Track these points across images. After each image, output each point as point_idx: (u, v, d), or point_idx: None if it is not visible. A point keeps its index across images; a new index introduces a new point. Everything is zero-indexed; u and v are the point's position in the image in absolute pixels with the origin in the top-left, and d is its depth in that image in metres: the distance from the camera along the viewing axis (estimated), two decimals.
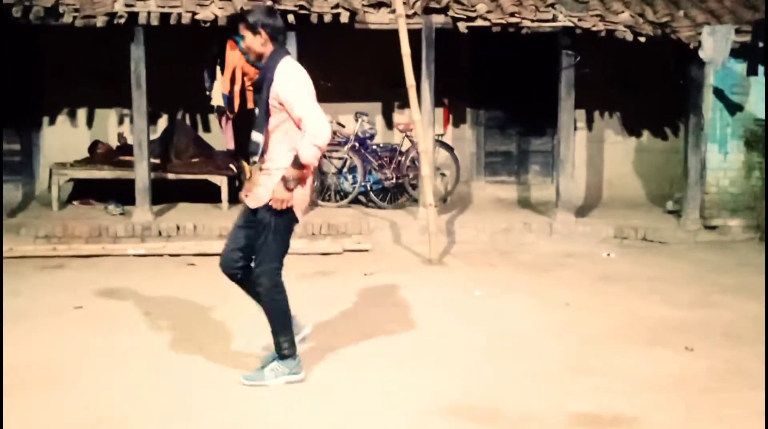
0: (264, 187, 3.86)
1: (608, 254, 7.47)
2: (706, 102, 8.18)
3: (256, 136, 3.87)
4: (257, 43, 3.84)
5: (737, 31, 7.83)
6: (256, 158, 3.93)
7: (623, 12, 7.98)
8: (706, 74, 8.10)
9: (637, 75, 9.32)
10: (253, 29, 3.81)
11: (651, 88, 9.26)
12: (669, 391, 3.96)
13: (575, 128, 8.73)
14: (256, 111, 3.96)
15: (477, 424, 3.55)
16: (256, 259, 3.93)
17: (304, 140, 3.70)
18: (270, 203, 3.80)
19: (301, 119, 3.72)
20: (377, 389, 3.95)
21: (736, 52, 7.94)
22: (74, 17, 7.47)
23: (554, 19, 7.90)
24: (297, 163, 3.73)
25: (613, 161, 9.89)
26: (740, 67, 8.20)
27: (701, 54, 7.80)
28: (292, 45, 7.79)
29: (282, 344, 3.95)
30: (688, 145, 8.35)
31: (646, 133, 9.93)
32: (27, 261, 6.97)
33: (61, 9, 7.47)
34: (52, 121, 9.43)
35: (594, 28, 7.84)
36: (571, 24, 7.88)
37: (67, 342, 4.69)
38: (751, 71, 8.17)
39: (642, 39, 7.87)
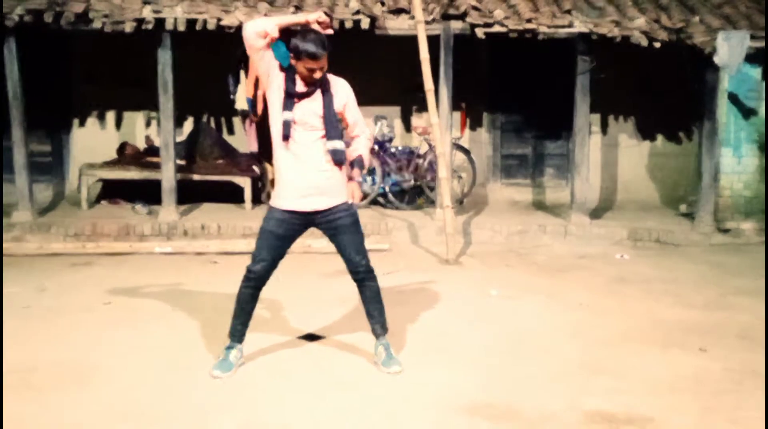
0: (339, 188, 4.08)
1: (622, 256, 7.56)
2: (721, 107, 8.25)
3: (340, 145, 4.00)
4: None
5: (752, 37, 7.89)
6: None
7: (639, 18, 8.07)
8: (721, 79, 8.17)
9: (652, 80, 9.38)
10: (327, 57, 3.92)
11: (666, 92, 9.33)
12: (684, 392, 3.98)
13: (590, 132, 8.82)
14: (301, 116, 3.94)
15: (495, 423, 3.60)
16: (357, 254, 4.16)
17: (364, 143, 4.12)
18: (352, 201, 4.11)
19: (356, 124, 4.14)
20: (395, 387, 4.00)
21: (751, 58, 8.00)
22: (104, 23, 7.67)
23: (570, 25, 8.01)
24: (361, 164, 4.10)
25: (627, 165, 9.97)
26: (755, 72, 8.27)
27: (716, 59, 7.85)
28: None
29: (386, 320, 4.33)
30: (702, 149, 8.41)
31: (660, 137, 10.00)
32: (57, 258, 7.16)
33: (91, 15, 7.68)
34: (81, 123, 9.66)
35: (610, 34, 7.92)
36: (587, 30, 7.97)
37: (95, 338, 4.79)
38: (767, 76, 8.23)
39: (657, 44, 7.95)
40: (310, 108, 3.97)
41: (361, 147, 4.17)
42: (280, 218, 4.06)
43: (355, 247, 4.17)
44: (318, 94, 3.97)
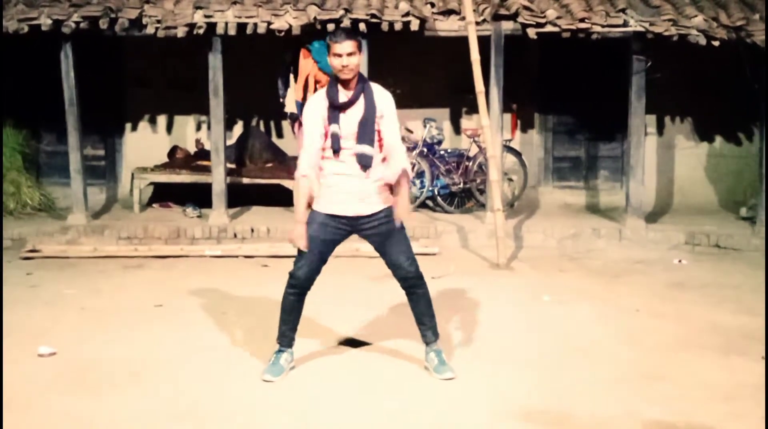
0: (379, 195, 4.06)
1: (680, 261, 7.37)
2: None
3: (369, 149, 4.01)
4: (359, 61, 4.01)
5: None
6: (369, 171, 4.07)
7: (696, 16, 7.86)
8: None
9: (710, 79, 9.15)
10: (360, 48, 3.99)
11: (724, 92, 9.08)
12: (745, 400, 3.90)
13: (645, 133, 8.63)
14: (347, 127, 3.99)
15: None
16: (406, 259, 4.13)
17: (403, 161, 4.03)
18: (398, 215, 4.05)
19: (393, 148, 4.04)
20: (446, 392, 3.99)
21: None
22: (156, 28, 7.80)
23: (625, 24, 7.85)
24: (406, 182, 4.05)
25: (684, 167, 9.73)
26: None
27: None
28: (364, 52, 7.96)
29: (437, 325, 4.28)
30: (763, 151, 8.15)
31: (719, 139, 9.74)
32: (110, 261, 7.29)
33: (144, 21, 7.82)
34: (134, 128, 9.83)
35: (666, 33, 7.74)
36: (642, 29, 7.80)
37: (149, 339, 4.87)
38: None
39: (716, 43, 7.74)
40: (354, 116, 4.01)
41: (403, 165, 4.03)
42: (323, 222, 4.07)
43: (402, 252, 4.13)
44: (361, 101, 4.01)
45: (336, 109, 3.98)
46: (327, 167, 4.05)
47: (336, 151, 4.00)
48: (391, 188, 4.07)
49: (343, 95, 4.00)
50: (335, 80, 4.03)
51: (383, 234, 4.09)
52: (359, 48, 3.97)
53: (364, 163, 4.02)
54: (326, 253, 4.14)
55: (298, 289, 4.15)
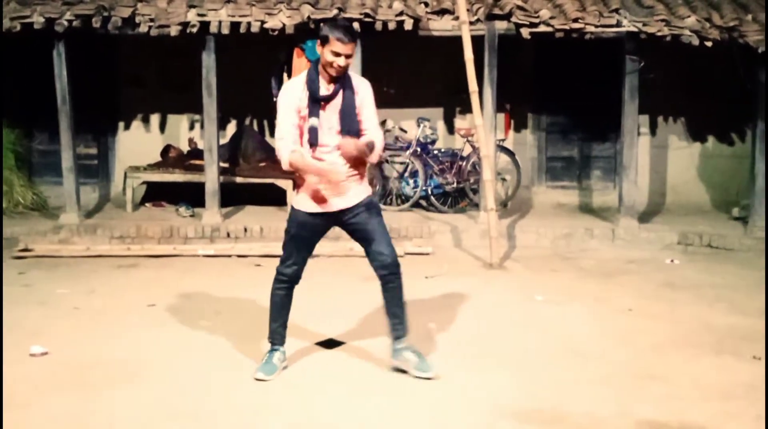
0: (358, 182, 4.07)
1: (672, 261, 7.39)
2: None
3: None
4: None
5: None
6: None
7: (689, 16, 7.88)
8: None
9: (702, 80, 9.18)
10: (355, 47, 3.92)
11: (717, 93, 9.12)
12: (738, 400, 3.91)
13: (639, 133, 8.65)
14: (327, 121, 3.94)
15: None
16: (386, 247, 4.07)
17: (379, 139, 4.01)
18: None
19: (370, 129, 4.02)
20: (441, 392, 3.98)
21: None
22: (150, 27, 7.78)
23: (618, 24, 7.86)
24: (371, 148, 3.95)
25: (677, 167, 9.76)
26: None
27: None
28: (357, 52, 7.95)
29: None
30: (755, 151, 8.18)
31: (711, 139, 9.77)
32: (103, 260, 7.27)
33: (137, 19, 7.79)
34: (127, 127, 9.80)
35: (659, 33, 7.76)
36: (635, 29, 7.82)
37: (143, 338, 4.86)
38: None
39: (709, 44, 7.76)
40: (333, 108, 3.95)
41: (377, 140, 4.01)
42: (303, 221, 4.08)
43: (381, 238, 4.08)
44: (340, 94, 3.95)
45: (316, 101, 3.91)
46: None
47: (313, 144, 3.92)
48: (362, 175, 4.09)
49: (324, 89, 3.93)
50: (316, 71, 3.94)
51: (361, 222, 4.07)
52: (356, 47, 3.95)
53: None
54: (311, 248, 4.19)
55: (286, 284, 4.18)
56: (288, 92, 3.96)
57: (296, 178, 4.08)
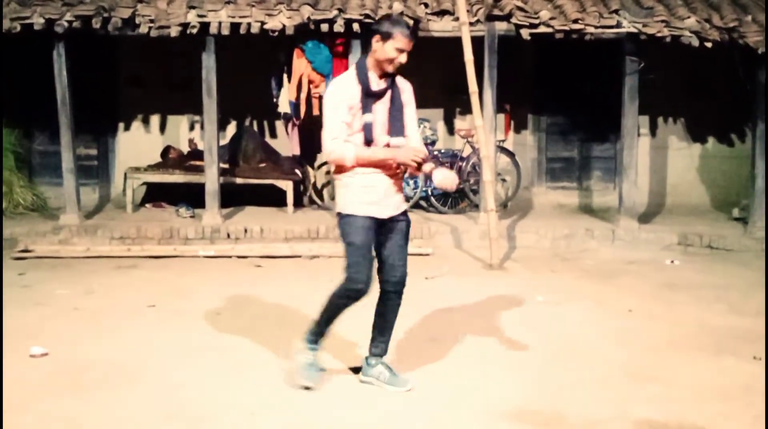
0: (402, 191, 3.96)
1: (672, 261, 7.39)
2: None
3: (402, 142, 3.86)
4: None
5: None
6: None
7: (689, 17, 7.89)
8: None
9: (702, 81, 9.19)
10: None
11: (717, 93, 9.13)
12: (736, 400, 3.91)
13: (639, 134, 8.66)
14: (379, 117, 3.80)
15: None
16: (402, 261, 3.90)
17: (422, 146, 3.94)
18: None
19: (416, 129, 3.96)
20: (440, 393, 3.98)
21: None
22: (150, 28, 7.78)
23: (618, 25, 7.87)
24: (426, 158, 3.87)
25: (677, 167, 9.77)
26: None
27: None
28: (357, 53, 7.97)
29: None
30: (755, 152, 8.19)
31: (711, 140, 9.78)
32: (103, 261, 7.28)
33: (137, 20, 7.80)
34: (127, 127, 9.80)
35: (659, 34, 7.77)
36: (635, 30, 7.82)
37: (142, 339, 4.86)
38: None
39: (708, 44, 7.76)
40: (383, 105, 3.83)
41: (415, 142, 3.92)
42: (366, 226, 3.79)
43: (402, 254, 3.92)
44: (388, 92, 3.85)
45: (370, 97, 3.77)
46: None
47: (368, 142, 3.77)
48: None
49: (375, 83, 3.80)
50: (366, 66, 3.81)
51: (396, 231, 3.90)
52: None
53: None
54: (372, 255, 3.89)
55: (355, 301, 3.84)
56: (340, 88, 3.80)
57: (339, 180, 3.85)
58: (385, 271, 3.94)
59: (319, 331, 4.01)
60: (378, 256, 3.94)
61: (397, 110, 3.85)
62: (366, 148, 3.77)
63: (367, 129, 3.77)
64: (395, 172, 3.85)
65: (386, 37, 3.74)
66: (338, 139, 3.75)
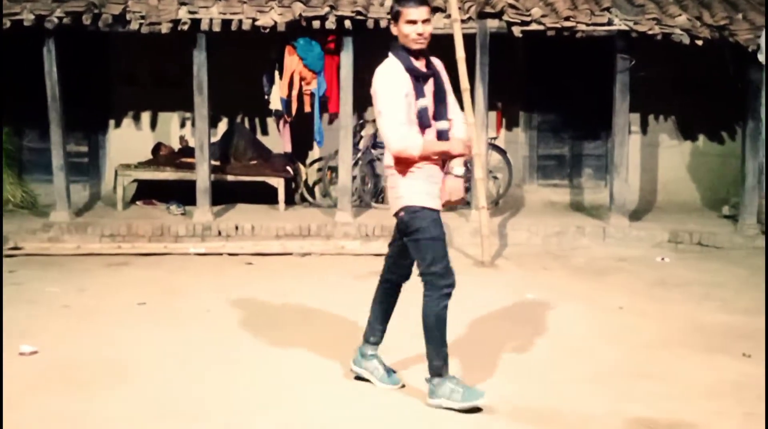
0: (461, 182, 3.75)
1: (663, 259, 7.42)
2: (765, 105, 8.04)
3: (445, 125, 3.70)
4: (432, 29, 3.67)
5: None
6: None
7: (680, 15, 7.91)
8: (765, 77, 7.97)
9: (693, 78, 9.20)
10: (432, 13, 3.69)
11: (708, 91, 9.14)
12: (727, 398, 3.93)
13: (630, 132, 8.67)
14: (422, 102, 3.62)
15: (534, 427, 3.58)
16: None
17: (460, 127, 3.76)
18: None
19: (458, 111, 3.80)
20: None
21: None
22: (140, 24, 7.74)
23: (609, 22, 7.88)
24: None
25: (668, 165, 9.79)
26: None
27: (760, 57, 7.68)
28: (349, 50, 7.96)
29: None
30: (745, 149, 8.22)
31: (702, 137, 9.80)
32: (93, 258, 7.24)
33: (128, 16, 7.75)
34: (118, 124, 9.74)
35: (650, 32, 7.78)
36: (626, 28, 7.83)
37: (134, 337, 4.85)
38: None
39: (699, 42, 7.78)
40: (429, 89, 3.67)
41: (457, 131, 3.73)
42: (438, 218, 3.66)
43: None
44: (437, 74, 3.72)
45: (419, 80, 3.61)
46: None
47: (426, 126, 3.61)
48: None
49: (419, 65, 3.64)
50: (402, 52, 3.63)
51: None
52: (432, 11, 3.66)
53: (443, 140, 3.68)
54: None
55: (451, 291, 3.72)
56: (394, 75, 3.60)
57: (404, 173, 3.64)
58: (404, 267, 3.90)
59: (439, 355, 3.73)
60: (398, 252, 3.86)
61: (439, 91, 3.69)
62: (431, 142, 3.62)
63: (424, 114, 3.61)
64: (441, 162, 3.70)
65: (396, 17, 3.63)
66: (405, 124, 3.55)
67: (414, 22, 3.57)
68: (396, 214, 3.73)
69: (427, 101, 3.64)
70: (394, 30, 3.67)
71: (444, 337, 3.74)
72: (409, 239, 3.69)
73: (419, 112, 3.61)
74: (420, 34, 3.58)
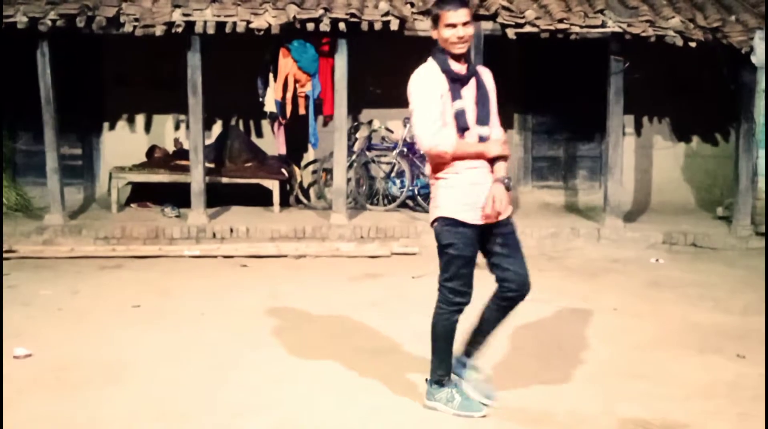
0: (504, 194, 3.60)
1: (657, 260, 7.43)
2: (758, 107, 8.07)
3: (486, 131, 3.62)
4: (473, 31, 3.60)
5: None
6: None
7: (673, 17, 7.93)
8: (758, 79, 7.99)
9: (687, 80, 9.23)
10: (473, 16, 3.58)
11: (702, 93, 9.17)
12: (721, 398, 3.94)
13: (624, 133, 8.69)
14: (468, 104, 3.55)
15: (530, 427, 3.59)
16: (523, 264, 3.69)
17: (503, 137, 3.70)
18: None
19: (496, 119, 3.70)
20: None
21: None
22: (134, 26, 7.72)
23: (603, 25, 7.89)
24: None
25: (662, 167, 9.81)
26: None
27: (753, 59, 7.73)
28: (343, 52, 7.96)
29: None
30: (739, 151, 8.24)
31: (696, 139, 9.83)
32: (87, 261, 7.23)
33: (122, 19, 7.74)
34: (112, 127, 9.73)
35: (644, 34, 7.79)
36: (620, 30, 7.84)
37: (128, 339, 4.85)
38: None
39: (693, 44, 7.80)
40: (469, 93, 3.58)
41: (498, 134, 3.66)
42: (471, 236, 3.56)
43: (522, 256, 3.70)
44: (473, 78, 3.61)
45: (456, 82, 3.53)
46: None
47: (464, 129, 3.51)
48: None
49: (457, 67, 3.56)
50: (441, 55, 3.56)
51: (510, 234, 3.65)
52: (472, 16, 3.55)
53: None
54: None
55: (461, 314, 3.69)
56: (426, 77, 3.54)
57: (441, 180, 3.58)
58: (509, 280, 3.70)
59: (442, 365, 3.71)
60: (497, 264, 3.70)
61: (483, 96, 3.60)
62: (465, 143, 3.52)
63: (461, 116, 3.51)
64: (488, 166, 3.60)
65: (435, 21, 3.56)
66: (437, 123, 3.47)
67: (454, 25, 3.50)
68: (431, 224, 3.68)
69: (466, 104, 3.55)
70: (434, 34, 3.59)
71: (450, 348, 3.71)
72: (438, 248, 3.66)
73: (456, 113, 3.52)
74: (460, 38, 3.51)
